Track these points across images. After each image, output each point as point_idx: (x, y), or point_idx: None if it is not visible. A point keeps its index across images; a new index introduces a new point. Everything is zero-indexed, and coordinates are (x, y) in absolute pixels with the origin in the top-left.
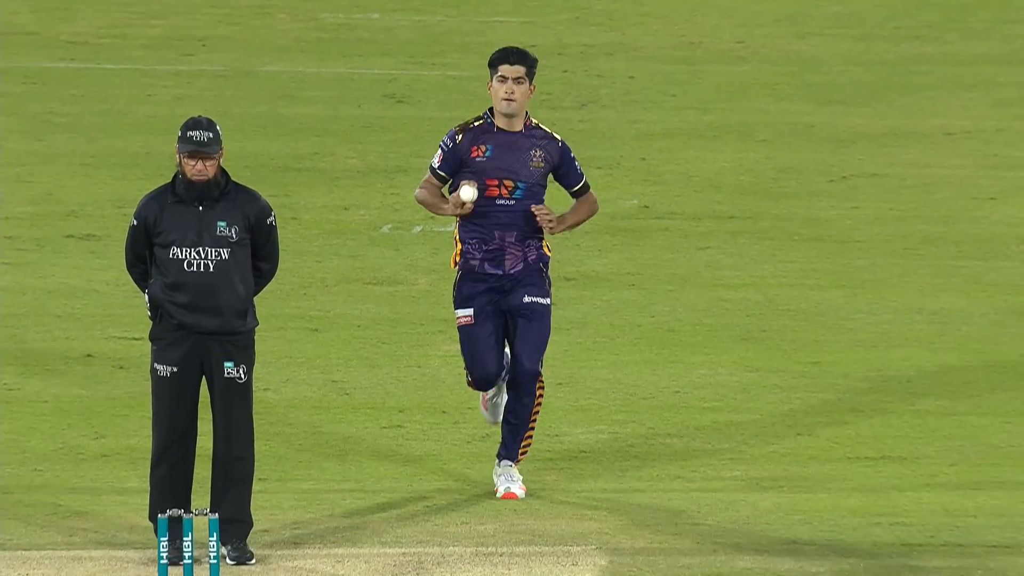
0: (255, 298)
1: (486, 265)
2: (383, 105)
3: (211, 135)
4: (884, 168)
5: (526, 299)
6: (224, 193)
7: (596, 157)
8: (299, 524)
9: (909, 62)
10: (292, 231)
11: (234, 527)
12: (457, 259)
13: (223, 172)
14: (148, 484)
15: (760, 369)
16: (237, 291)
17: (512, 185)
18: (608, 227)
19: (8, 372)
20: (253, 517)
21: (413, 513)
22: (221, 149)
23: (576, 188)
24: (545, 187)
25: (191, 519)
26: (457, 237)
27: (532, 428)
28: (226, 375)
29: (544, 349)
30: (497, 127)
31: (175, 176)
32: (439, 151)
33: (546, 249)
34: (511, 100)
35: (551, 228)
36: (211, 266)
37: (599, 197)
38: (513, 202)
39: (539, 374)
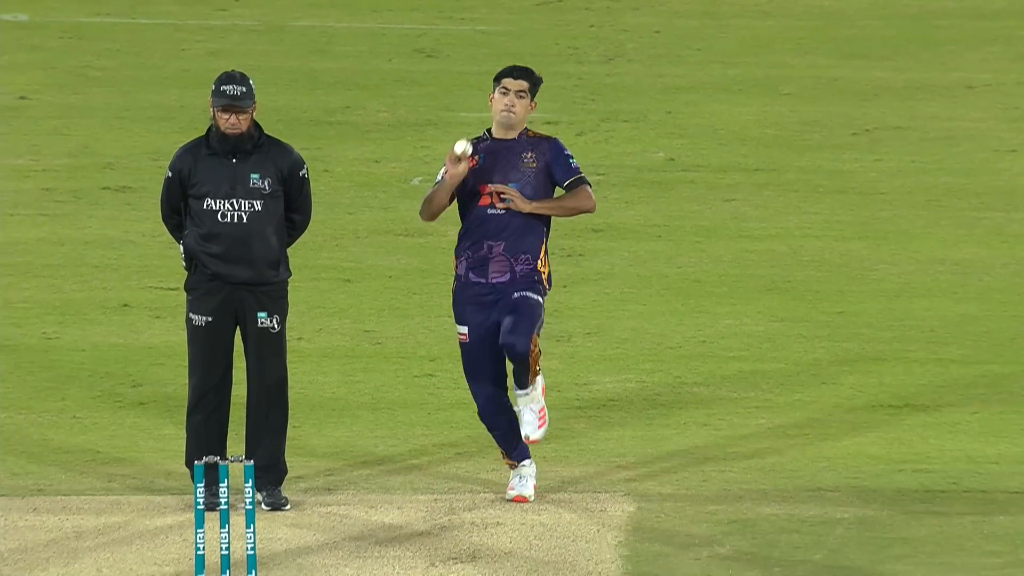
0: (288, 249)
1: (471, 274)
2: (413, 59)
3: (244, 89)
4: (907, 121)
5: (515, 295)
6: (257, 146)
7: (622, 111)
8: (333, 471)
9: (931, 16)
10: (324, 183)
11: (269, 474)
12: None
13: (256, 125)
14: (184, 431)
15: (785, 319)
16: (270, 242)
17: (501, 191)
18: (635, 180)
19: (47, 321)
20: (287, 464)
21: (444, 460)
22: (254, 103)
23: (568, 182)
24: (544, 188)
25: (227, 466)
26: (455, 250)
27: (538, 365)
28: (260, 325)
29: (532, 329)
30: (492, 137)
31: (209, 129)
32: (443, 167)
33: (540, 266)
34: (510, 112)
35: (511, 203)
36: (244, 217)
37: (625, 151)
38: (503, 212)
39: (531, 349)
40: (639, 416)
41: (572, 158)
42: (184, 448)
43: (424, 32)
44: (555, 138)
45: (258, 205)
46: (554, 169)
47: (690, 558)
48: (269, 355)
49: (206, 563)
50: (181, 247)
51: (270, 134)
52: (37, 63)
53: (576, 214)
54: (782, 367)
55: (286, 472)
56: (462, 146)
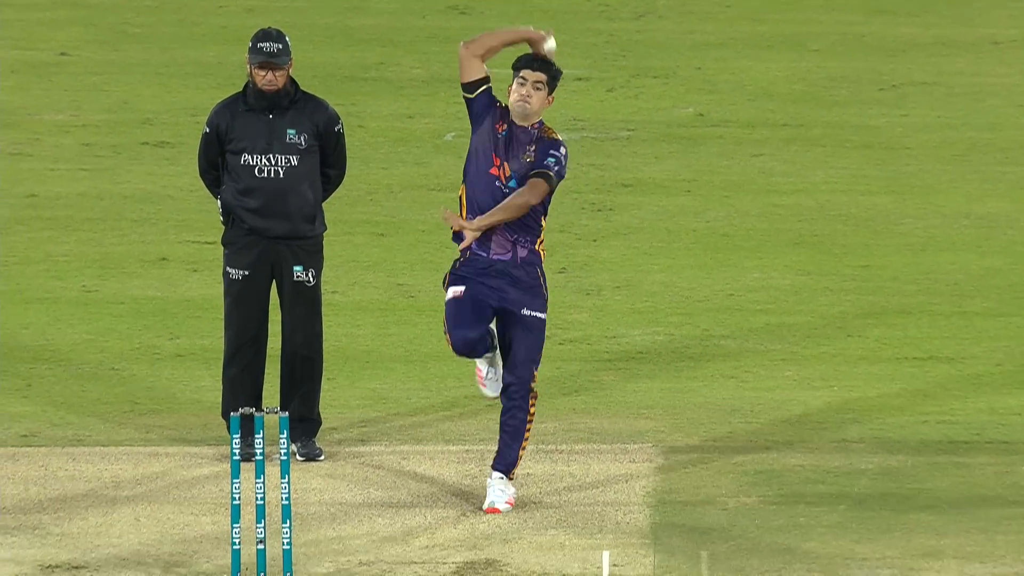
0: (323, 203)
1: (474, 244)
2: (447, 16)
3: (280, 46)
4: (933, 76)
5: (525, 311)
6: (293, 102)
7: (652, 67)
8: (366, 422)
9: None
10: (359, 139)
11: (303, 425)
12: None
13: (292, 81)
14: (220, 383)
15: (812, 272)
16: (306, 197)
17: (509, 172)
18: (664, 135)
19: (87, 275)
20: (322, 415)
21: (475, 411)
22: (290, 60)
23: (533, 172)
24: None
25: (262, 417)
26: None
27: (526, 440)
28: (295, 278)
29: (538, 362)
30: (517, 124)
31: (246, 85)
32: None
33: (539, 247)
34: (526, 103)
35: (459, 225)
36: (281, 172)
37: (654, 107)
38: (507, 190)
39: (531, 388)
40: (667, 368)
41: (555, 159)
42: (220, 400)
43: None
44: (559, 140)
45: (294, 160)
46: (534, 165)
47: (717, 508)
48: (304, 308)
49: (241, 512)
50: (219, 202)
51: (306, 90)
52: (77, 19)
53: (519, 212)
54: (808, 320)
55: (320, 423)
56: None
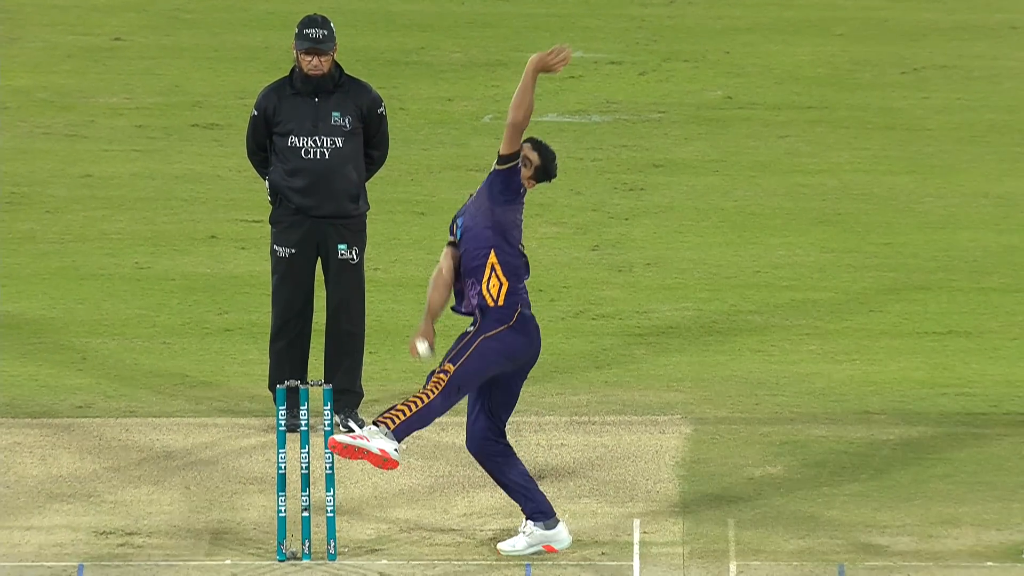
0: (366, 183)
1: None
2: (485, 2)
3: (325, 32)
4: (953, 60)
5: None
6: (338, 85)
7: (682, 51)
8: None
9: None
10: (400, 121)
11: (346, 397)
12: None
13: (337, 66)
14: (267, 357)
15: (835, 250)
16: (350, 177)
17: (455, 225)
18: (694, 117)
19: (139, 252)
20: (364, 388)
21: None
22: (335, 45)
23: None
24: (486, 211)
25: (307, 389)
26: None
27: (398, 413)
28: (340, 256)
29: (449, 358)
30: None
31: (292, 70)
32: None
33: (487, 298)
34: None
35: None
36: (326, 154)
37: (685, 89)
38: (459, 237)
39: (434, 376)
40: (696, 343)
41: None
42: (267, 373)
43: None
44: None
45: (339, 142)
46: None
47: (743, 477)
48: (348, 284)
49: (287, 481)
50: (266, 182)
51: (350, 74)
52: (131, 6)
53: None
54: (832, 296)
55: (362, 396)
56: (424, 350)
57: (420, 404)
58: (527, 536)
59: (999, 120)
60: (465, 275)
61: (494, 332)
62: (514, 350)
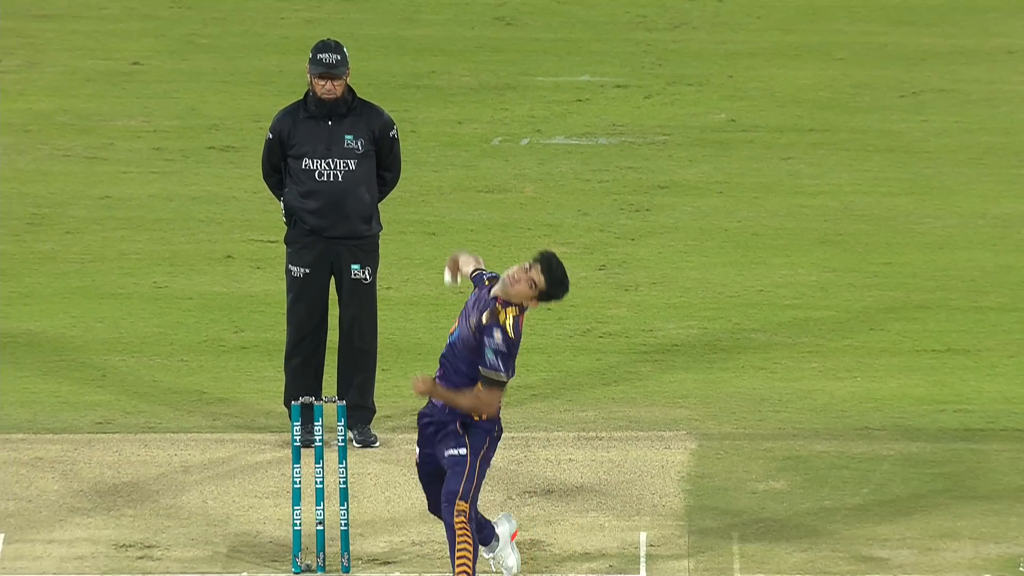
0: (379, 204)
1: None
2: (494, 27)
3: (339, 57)
4: (951, 84)
5: (445, 454)
6: (351, 109)
7: (687, 75)
8: (418, 411)
9: None
10: (411, 143)
11: (359, 413)
12: None
13: (350, 90)
14: (283, 373)
15: (837, 269)
16: (363, 199)
17: (453, 328)
18: (698, 139)
19: (157, 271)
20: (376, 404)
21: (520, 400)
22: (348, 69)
23: (482, 374)
24: (471, 358)
25: (321, 405)
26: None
27: (462, 564)
28: (353, 276)
29: (458, 491)
30: (490, 293)
31: (306, 94)
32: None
33: (473, 415)
34: (523, 296)
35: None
36: (339, 176)
37: (689, 112)
38: (450, 345)
39: (457, 523)
40: (701, 360)
41: (492, 351)
42: (282, 389)
43: (504, 1)
44: (500, 324)
45: (352, 164)
46: (477, 351)
47: (747, 492)
48: (361, 303)
49: (302, 495)
50: (281, 203)
51: (363, 97)
52: (148, 31)
53: (470, 411)
54: (833, 314)
55: (375, 412)
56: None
57: (469, 557)
58: (494, 555)
59: (996, 142)
60: (448, 379)
61: (484, 448)
62: (494, 450)
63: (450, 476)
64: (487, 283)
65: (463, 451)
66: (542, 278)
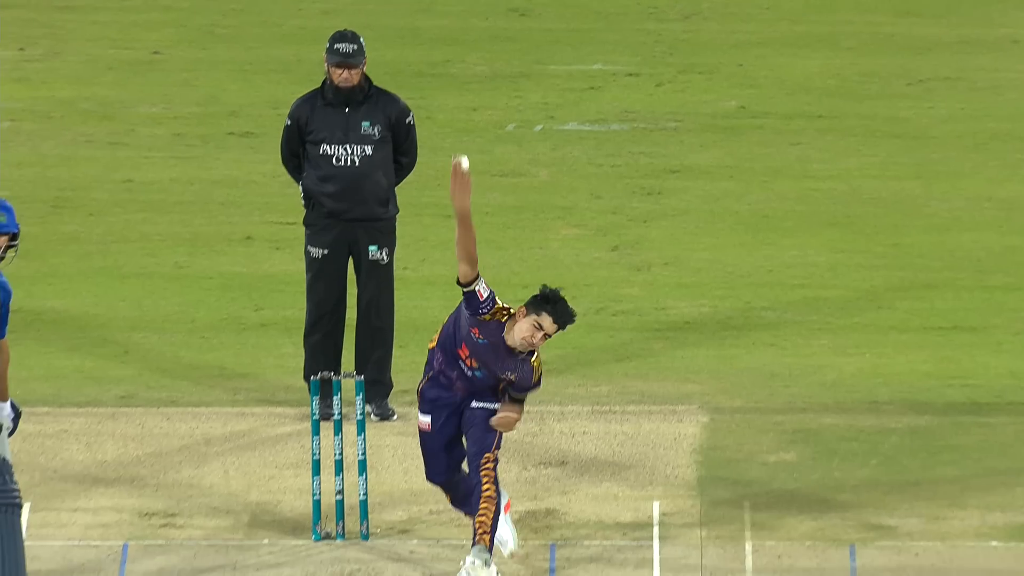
0: (396, 188)
1: (443, 368)
2: (508, 17)
3: (355, 47)
4: (957, 72)
5: (473, 404)
6: (368, 96)
7: (698, 64)
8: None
9: None
10: (427, 129)
11: (377, 387)
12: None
13: (366, 78)
14: (302, 350)
15: (845, 250)
16: (380, 183)
17: (477, 365)
18: (709, 126)
19: (178, 252)
20: (393, 379)
21: None
22: (364, 59)
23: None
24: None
25: (340, 381)
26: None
27: (483, 516)
28: (370, 257)
29: (490, 448)
30: (506, 342)
31: (324, 82)
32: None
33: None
34: (531, 346)
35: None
36: (357, 161)
37: (700, 100)
38: (472, 376)
39: (486, 477)
40: (712, 337)
41: (532, 381)
42: (301, 365)
43: None
44: (531, 374)
45: (369, 149)
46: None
47: (758, 463)
48: (378, 283)
49: (321, 466)
50: (300, 187)
51: (379, 85)
52: (169, 21)
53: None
54: (842, 293)
55: (392, 387)
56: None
57: (491, 504)
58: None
59: (1001, 128)
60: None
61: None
62: None
63: (482, 429)
64: (497, 318)
65: (497, 405)
66: (554, 327)
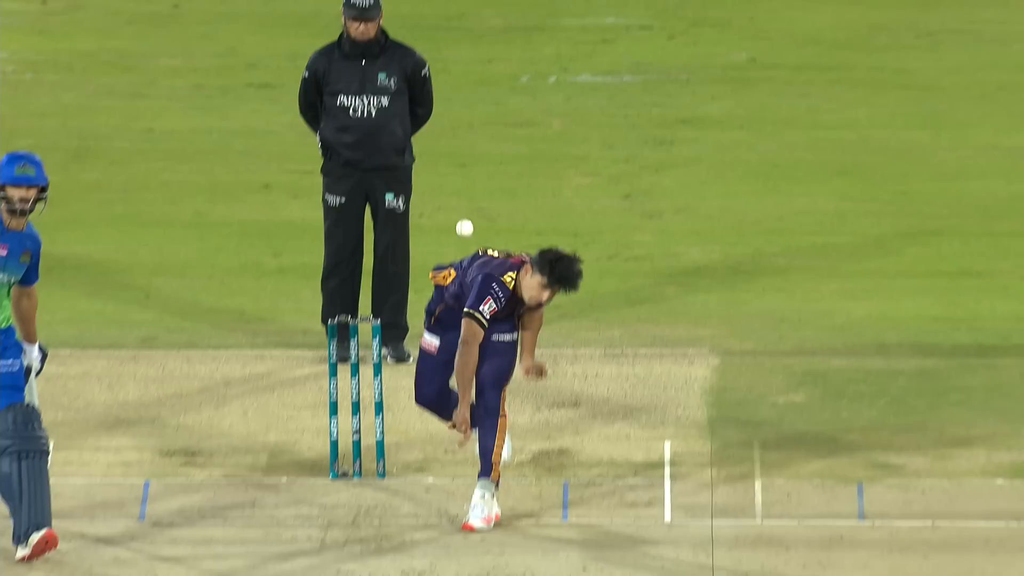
0: (412, 138)
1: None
2: None
3: (372, 1)
4: (965, 24)
5: (493, 337)
6: (384, 49)
7: (709, 17)
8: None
9: None
10: (442, 81)
11: (393, 331)
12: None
13: (383, 31)
14: (319, 295)
15: (854, 198)
16: (396, 133)
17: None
18: (720, 77)
19: (198, 200)
20: (409, 323)
21: (548, 320)
22: (380, 12)
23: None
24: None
25: (356, 324)
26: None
27: (496, 448)
28: (387, 205)
29: (503, 385)
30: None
31: (341, 35)
32: (493, 302)
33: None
34: (539, 303)
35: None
36: (373, 112)
37: (712, 52)
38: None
39: (498, 413)
40: (723, 282)
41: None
42: (319, 309)
43: None
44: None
45: (385, 101)
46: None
47: (767, 404)
48: (395, 230)
49: (338, 407)
50: (318, 137)
51: (395, 39)
52: None
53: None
54: (851, 240)
55: (408, 330)
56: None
57: (503, 437)
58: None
59: (1008, 79)
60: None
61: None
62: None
63: (498, 364)
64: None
65: (515, 336)
66: (548, 292)
